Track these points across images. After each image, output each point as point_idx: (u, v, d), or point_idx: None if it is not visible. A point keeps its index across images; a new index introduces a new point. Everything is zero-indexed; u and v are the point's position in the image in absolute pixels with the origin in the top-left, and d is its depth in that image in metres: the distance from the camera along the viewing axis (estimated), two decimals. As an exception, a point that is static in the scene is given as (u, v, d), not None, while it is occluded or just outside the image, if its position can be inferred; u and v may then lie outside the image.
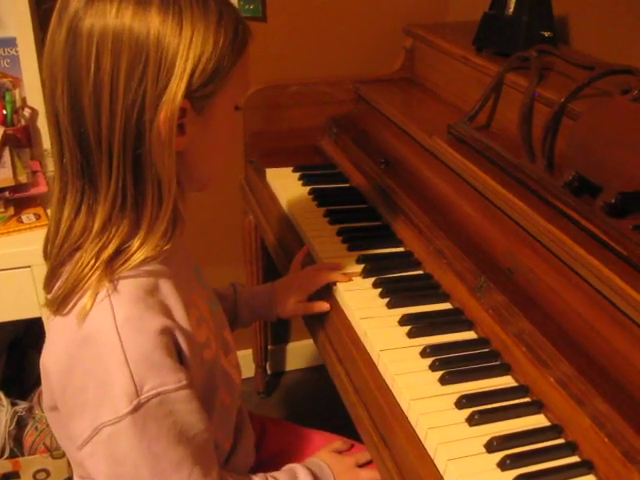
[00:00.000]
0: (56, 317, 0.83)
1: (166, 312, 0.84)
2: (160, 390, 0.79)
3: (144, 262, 0.82)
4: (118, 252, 0.81)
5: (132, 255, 0.81)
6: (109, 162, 0.78)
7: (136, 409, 0.77)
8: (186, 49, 0.76)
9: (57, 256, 0.84)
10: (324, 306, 1.24)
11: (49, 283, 0.86)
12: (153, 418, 0.79)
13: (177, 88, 0.76)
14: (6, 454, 1.70)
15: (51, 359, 0.83)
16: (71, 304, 0.80)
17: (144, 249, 0.81)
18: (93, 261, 0.80)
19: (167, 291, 0.86)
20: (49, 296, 0.85)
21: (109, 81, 0.75)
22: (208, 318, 0.97)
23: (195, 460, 0.85)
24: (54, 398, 0.85)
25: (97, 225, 0.80)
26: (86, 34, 0.74)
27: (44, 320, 1.47)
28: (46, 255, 0.89)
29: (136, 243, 0.81)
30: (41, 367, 0.87)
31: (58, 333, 0.83)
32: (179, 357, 0.84)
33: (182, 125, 0.80)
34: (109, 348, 0.77)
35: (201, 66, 0.77)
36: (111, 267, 0.81)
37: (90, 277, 0.79)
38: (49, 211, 1.21)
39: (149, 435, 0.79)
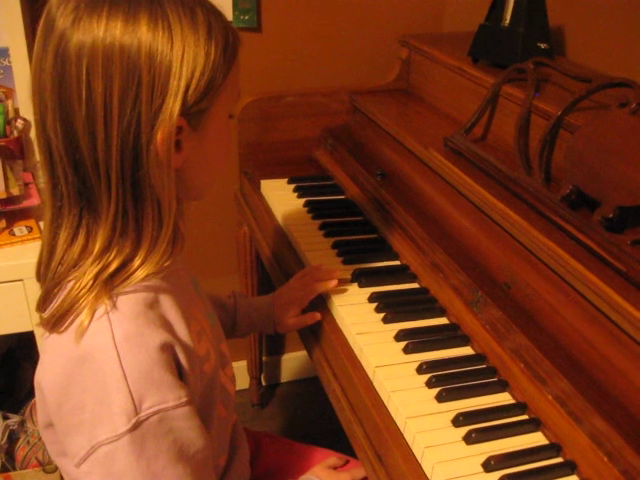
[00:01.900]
0: (51, 335, 0.81)
1: (167, 326, 0.82)
2: (160, 407, 0.77)
3: (145, 279, 0.80)
4: (118, 270, 0.80)
5: (133, 273, 0.80)
6: (108, 186, 0.77)
7: (135, 427, 0.76)
8: (179, 66, 0.74)
9: (53, 279, 0.82)
10: (316, 316, 1.24)
11: (43, 304, 0.85)
12: (152, 436, 0.77)
13: (172, 107, 0.75)
14: (-3, 468, 1.69)
15: (46, 377, 0.81)
16: (68, 322, 0.79)
17: (145, 267, 0.80)
18: (92, 281, 0.78)
19: (167, 306, 0.84)
20: (45, 315, 0.83)
21: (102, 106, 0.73)
22: (208, 331, 0.95)
23: (195, 478, 0.83)
24: (49, 416, 0.83)
25: (97, 247, 0.79)
26: (75, 56, 0.72)
27: (36, 334, 1.45)
28: (39, 277, 0.87)
29: (137, 262, 0.80)
30: (36, 385, 0.85)
31: (54, 351, 0.81)
32: (179, 373, 0.83)
33: (178, 142, 0.79)
34: (107, 365, 0.76)
35: (195, 82, 0.76)
36: (111, 284, 0.79)
37: (88, 296, 0.78)
38: (42, 224, 1.20)
39: (148, 454, 0.77)
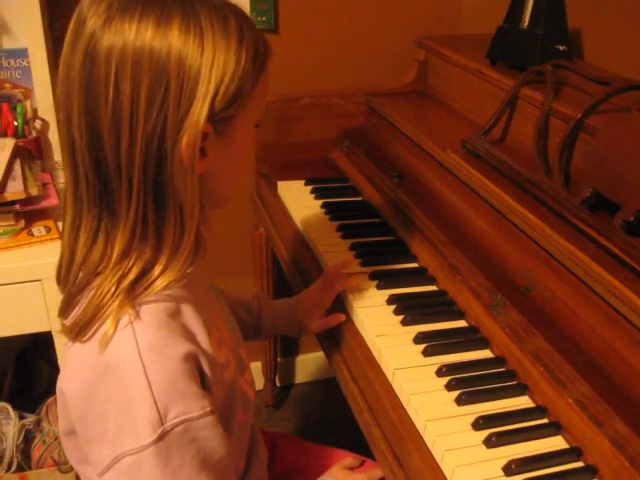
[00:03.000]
0: (75, 343, 0.81)
1: (189, 336, 0.82)
2: (185, 418, 0.77)
3: (167, 287, 0.80)
4: (140, 278, 0.79)
5: (154, 281, 0.79)
6: (129, 189, 0.76)
7: (160, 438, 0.75)
8: (208, 71, 0.73)
9: (74, 284, 0.82)
10: (340, 317, 1.23)
11: (65, 310, 0.84)
12: (177, 446, 0.77)
13: (200, 112, 0.74)
14: (13, 467, 1.69)
15: (70, 386, 0.80)
16: (92, 331, 0.78)
17: (167, 275, 0.79)
18: (114, 288, 0.78)
19: (189, 315, 0.84)
20: (67, 323, 0.82)
21: (129, 107, 0.73)
22: (227, 338, 0.95)
23: None
24: (72, 423, 0.83)
25: (117, 252, 0.79)
26: (104, 56, 0.72)
27: (54, 335, 1.46)
28: (59, 281, 0.87)
29: (158, 269, 0.79)
30: (58, 392, 0.85)
31: (78, 360, 0.81)
32: (202, 382, 0.82)
33: (203, 148, 0.78)
34: (132, 376, 0.75)
35: (223, 88, 0.75)
36: (133, 293, 0.79)
37: (111, 304, 0.78)
38: (60, 225, 1.20)
39: (173, 464, 0.77)
